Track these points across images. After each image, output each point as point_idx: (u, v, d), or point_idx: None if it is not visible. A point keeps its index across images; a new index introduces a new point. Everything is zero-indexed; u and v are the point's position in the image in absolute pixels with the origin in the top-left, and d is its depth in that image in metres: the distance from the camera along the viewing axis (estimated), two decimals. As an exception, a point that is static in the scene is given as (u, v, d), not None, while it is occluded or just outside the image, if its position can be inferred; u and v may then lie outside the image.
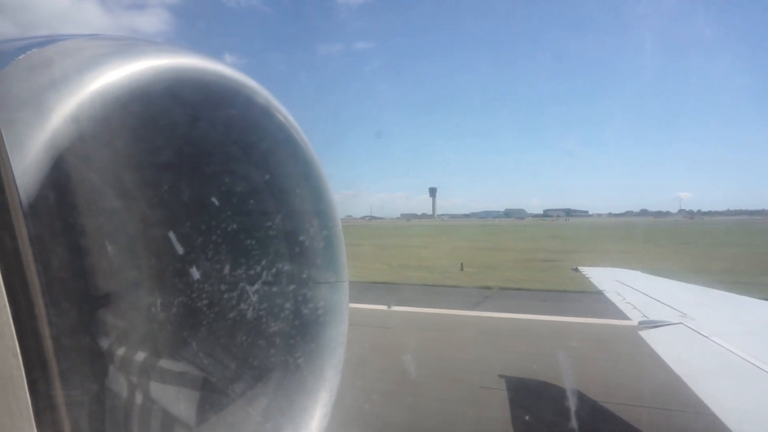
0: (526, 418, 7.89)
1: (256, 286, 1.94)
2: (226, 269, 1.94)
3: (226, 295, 1.92)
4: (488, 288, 22.22)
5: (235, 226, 1.94)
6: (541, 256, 38.81)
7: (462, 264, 30.40)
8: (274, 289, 1.97)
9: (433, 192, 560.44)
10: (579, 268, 12.12)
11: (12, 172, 0.76)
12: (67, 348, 1.27)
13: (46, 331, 0.77)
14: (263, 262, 1.97)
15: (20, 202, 0.77)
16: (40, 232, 0.82)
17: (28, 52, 1.15)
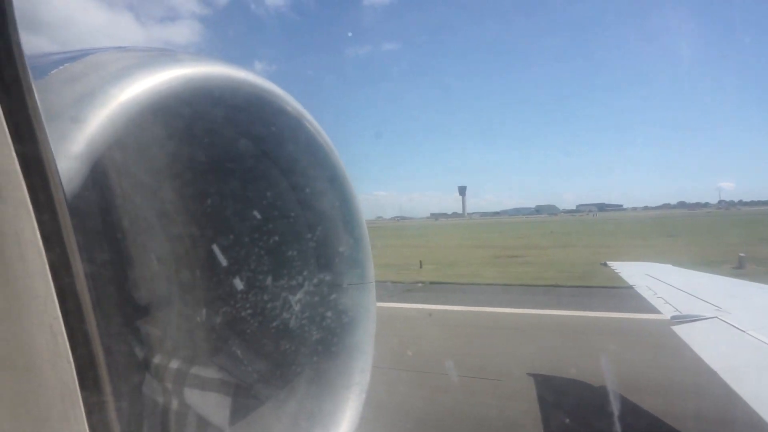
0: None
1: (284, 291, 1.96)
2: (256, 276, 1.97)
3: (255, 301, 1.95)
4: (420, 283, 24.54)
5: (263, 232, 1.97)
6: (512, 253, 40.49)
7: (421, 261, 33.08)
8: (303, 293, 1.99)
9: (462, 190, 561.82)
10: (608, 263, 11.87)
11: (62, 187, 0.79)
12: (116, 354, 1.32)
13: (95, 338, 0.80)
14: (293, 266, 2.00)
15: (66, 204, 0.79)
16: (84, 236, 0.85)
17: (61, 67, 1.19)
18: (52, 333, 0.75)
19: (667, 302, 7.21)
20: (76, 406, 0.77)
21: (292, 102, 1.70)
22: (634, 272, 10.09)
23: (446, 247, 52.97)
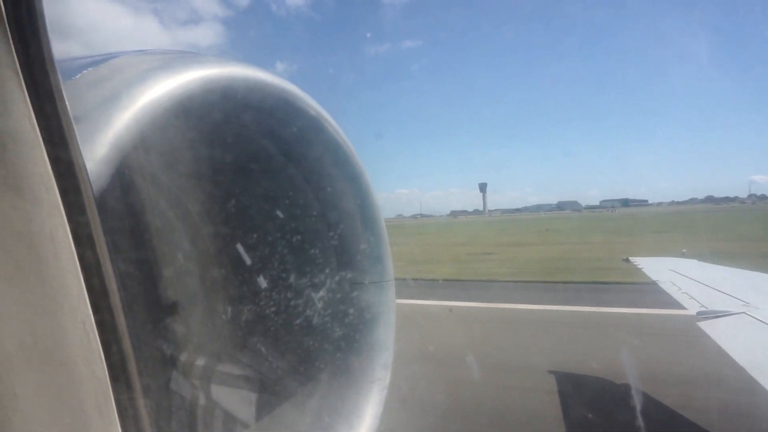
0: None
1: (307, 290, 1.99)
2: (279, 274, 1.99)
3: (278, 298, 1.97)
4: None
5: (285, 231, 1.99)
6: (490, 250, 40.29)
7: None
8: (325, 291, 2.01)
9: (483, 187, 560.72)
10: (630, 258, 11.65)
11: (92, 188, 0.82)
12: (144, 350, 1.35)
13: (125, 334, 0.82)
14: (314, 266, 2.02)
15: (97, 214, 0.81)
16: (115, 242, 0.87)
17: (84, 72, 1.21)
18: (85, 330, 0.78)
19: (693, 298, 7.05)
20: (108, 400, 0.79)
21: (312, 103, 1.71)
22: (657, 268, 9.89)
23: (435, 244, 52.97)
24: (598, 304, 15.59)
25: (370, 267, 2.05)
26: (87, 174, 0.82)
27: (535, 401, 8.09)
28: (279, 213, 1.97)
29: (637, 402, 7.29)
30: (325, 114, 1.78)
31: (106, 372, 0.79)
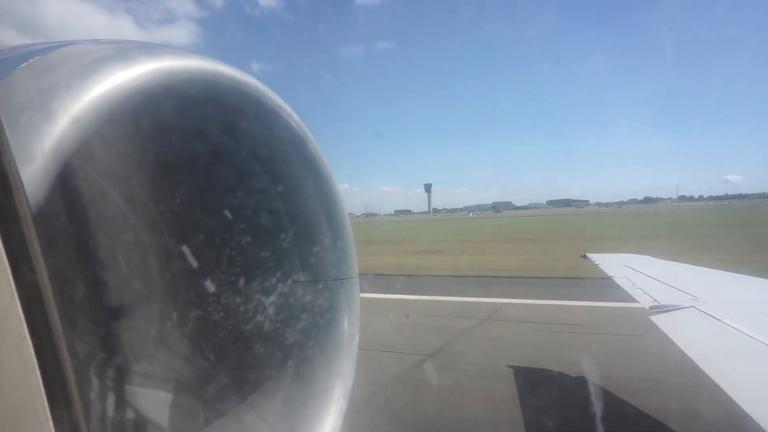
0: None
1: (267, 284, 1.94)
2: (239, 269, 1.94)
3: (239, 295, 1.92)
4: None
5: (245, 225, 1.94)
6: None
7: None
8: (288, 287, 1.97)
9: (428, 188, 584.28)
10: (588, 255, 12.05)
11: (20, 179, 0.76)
12: (84, 360, 1.28)
13: (61, 341, 0.77)
14: (275, 260, 1.98)
15: (30, 210, 0.76)
16: (50, 240, 0.82)
17: (32, 60, 1.14)
18: (17, 338, 0.72)
19: (646, 293, 7.35)
20: (42, 407, 0.75)
21: (271, 96, 1.67)
22: (612, 264, 10.27)
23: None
24: (559, 298, 16.22)
25: (335, 264, 2.03)
26: (15, 164, 0.76)
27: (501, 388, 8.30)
28: (235, 211, 1.92)
29: (589, 389, 7.71)
30: (288, 109, 1.75)
31: (39, 377, 0.74)
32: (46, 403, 0.76)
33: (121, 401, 1.51)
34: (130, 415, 1.54)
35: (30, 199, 0.81)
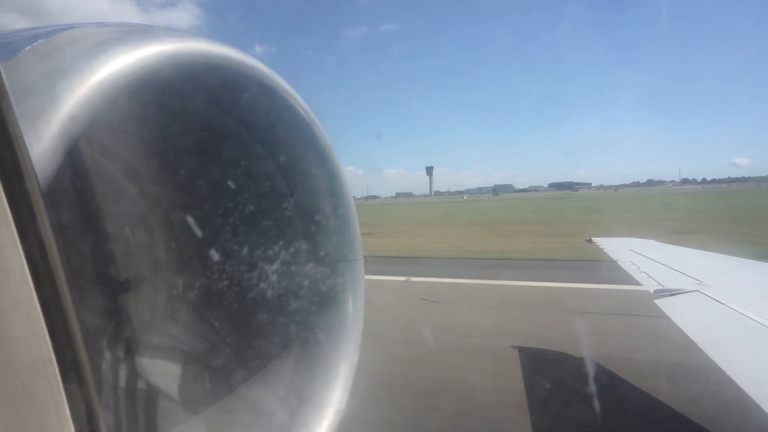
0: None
1: (275, 266, 1.96)
2: (245, 250, 1.96)
3: (245, 276, 1.95)
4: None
5: (251, 207, 1.96)
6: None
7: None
8: (293, 268, 1.99)
9: (429, 170, 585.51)
10: (593, 239, 12.02)
11: (30, 159, 0.77)
12: (94, 332, 1.31)
13: (73, 317, 0.79)
14: (281, 242, 1.99)
15: (39, 189, 0.78)
16: (60, 219, 0.84)
17: (36, 43, 1.15)
18: (28, 309, 0.75)
19: (651, 277, 7.35)
20: (55, 381, 0.77)
21: (275, 77, 1.67)
22: (617, 248, 10.25)
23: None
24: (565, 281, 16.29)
25: (340, 245, 2.04)
26: (26, 145, 0.77)
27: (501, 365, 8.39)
28: (242, 191, 1.93)
29: (590, 369, 7.81)
30: (293, 92, 1.75)
31: (53, 355, 0.77)
32: (57, 371, 0.78)
33: (132, 373, 1.55)
34: (141, 385, 1.58)
35: (39, 177, 0.83)
